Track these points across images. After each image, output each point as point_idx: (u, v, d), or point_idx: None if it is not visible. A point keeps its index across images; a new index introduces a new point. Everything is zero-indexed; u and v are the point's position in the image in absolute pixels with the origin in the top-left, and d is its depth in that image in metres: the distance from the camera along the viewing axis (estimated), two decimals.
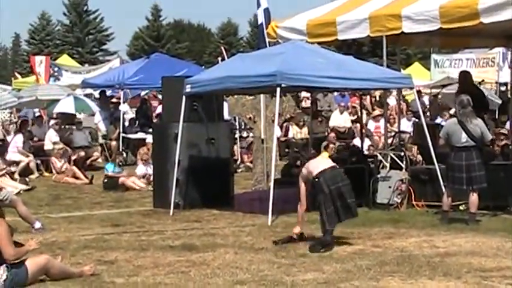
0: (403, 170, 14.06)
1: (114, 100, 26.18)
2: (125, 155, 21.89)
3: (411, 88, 14.94)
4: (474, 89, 15.08)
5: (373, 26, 14.38)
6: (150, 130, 19.27)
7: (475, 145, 12.16)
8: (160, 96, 25.61)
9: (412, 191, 13.82)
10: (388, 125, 17.46)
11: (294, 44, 14.30)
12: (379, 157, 14.73)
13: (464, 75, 16.01)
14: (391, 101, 23.52)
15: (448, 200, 12.37)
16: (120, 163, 18.94)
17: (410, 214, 13.15)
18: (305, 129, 23.72)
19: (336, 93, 25.50)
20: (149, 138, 18.85)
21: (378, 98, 26.32)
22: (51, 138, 21.62)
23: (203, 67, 29.90)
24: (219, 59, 23.84)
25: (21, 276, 8.20)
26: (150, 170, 17.07)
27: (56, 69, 32.75)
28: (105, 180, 17.78)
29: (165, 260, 9.54)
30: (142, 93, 28.80)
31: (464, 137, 12.15)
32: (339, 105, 24.89)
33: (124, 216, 13.45)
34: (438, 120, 21.30)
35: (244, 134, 23.13)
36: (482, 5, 12.93)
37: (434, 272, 8.72)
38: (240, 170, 20.54)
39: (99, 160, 22.56)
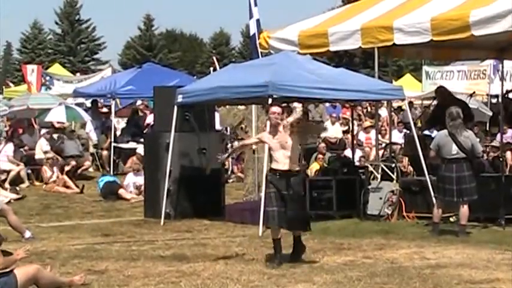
0: (394, 181, 14.09)
1: (104, 110, 26.16)
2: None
3: (402, 100, 14.98)
4: (456, 101, 15.10)
5: (364, 38, 14.42)
6: (142, 140, 19.26)
7: (465, 157, 12.20)
8: (150, 106, 25.59)
9: (402, 202, 13.85)
10: (379, 136, 17.50)
11: (286, 54, 14.33)
12: (370, 168, 14.76)
13: (443, 90, 16.10)
14: (383, 112, 23.56)
15: (438, 212, 12.39)
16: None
17: (401, 225, 13.17)
18: None
19: (327, 104, 25.52)
20: (139, 149, 18.82)
21: (369, 109, 26.36)
22: (42, 147, 21.58)
23: (195, 77, 29.92)
24: (211, 69, 23.92)
25: (10, 286, 8.16)
26: (140, 180, 17.07)
27: (47, 78, 32.67)
28: (103, 184, 17.73)
29: (155, 270, 9.53)
30: (138, 102, 28.80)
31: (454, 149, 12.19)
32: (331, 116, 24.90)
33: (115, 226, 13.43)
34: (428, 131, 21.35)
35: (236, 144, 23.12)
36: (474, 17, 13.00)
37: (424, 284, 8.72)
38: (231, 181, 20.54)
39: (90, 169, 22.52)
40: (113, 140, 22.95)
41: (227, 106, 17.29)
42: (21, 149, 21.92)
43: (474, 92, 24.18)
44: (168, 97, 14.21)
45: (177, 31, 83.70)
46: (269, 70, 13.20)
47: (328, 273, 9.25)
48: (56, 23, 75.91)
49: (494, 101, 27.68)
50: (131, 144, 23.01)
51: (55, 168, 20.05)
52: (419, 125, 21.31)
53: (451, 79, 28.66)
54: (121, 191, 17.58)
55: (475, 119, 22.95)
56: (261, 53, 15.95)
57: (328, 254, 10.46)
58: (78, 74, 40.02)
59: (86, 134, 24.37)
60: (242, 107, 16.91)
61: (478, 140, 13.16)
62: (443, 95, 15.86)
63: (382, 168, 14.45)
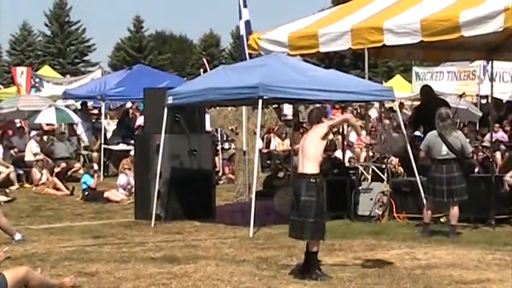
0: (385, 182, 14.11)
1: (95, 112, 26.17)
2: (96, 166, 21.73)
3: (393, 100, 15.01)
4: (440, 102, 15.14)
5: (354, 39, 14.43)
6: (132, 141, 19.24)
7: (455, 158, 12.23)
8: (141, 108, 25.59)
9: (393, 203, 13.87)
10: (369, 137, 17.51)
11: (276, 56, 14.34)
12: (361, 169, 14.77)
13: (428, 89, 16.20)
14: (373, 113, 23.59)
15: (428, 213, 12.40)
16: (93, 174, 18.83)
17: (392, 226, 13.18)
18: (287, 141, 23.78)
19: (317, 105, 25.56)
20: (133, 151, 18.79)
21: (359, 110, 26.40)
22: (32, 149, 21.53)
23: (185, 79, 29.90)
24: (201, 70, 23.85)
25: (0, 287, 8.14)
26: (132, 181, 17.03)
27: (37, 80, 32.64)
28: (86, 193, 17.69)
29: (146, 272, 9.51)
30: (128, 104, 28.76)
31: (444, 149, 12.22)
32: None
33: (105, 228, 13.41)
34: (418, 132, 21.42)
35: (226, 146, 23.14)
36: (463, 18, 13.03)
37: (415, 285, 8.73)
38: (221, 182, 20.54)
39: (81, 171, 22.47)
40: (103, 141, 22.94)
41: (217, 108, 17.27)
42: (11, 151, 21.86)
43: (464, 93, 24.27)
44: (158, 99, 14.19)
45: (167, 33, 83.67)
46: (259, 72, 13.20)
47: None
48: (46, 25, 75.78)
49: (483, 101, 27.76)
50: (121, 146, 23.00)
51: (45, 170, 20.00)
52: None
53: (441, 80, 28.71)
54: (108, 194, 17.50)
55: (465, 120, 23.04)
56: (250, 54, 15.93)
57: (319, 255, 10.45)
58: (68, 76, 39.98)
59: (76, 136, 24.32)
60: (232, 109, 16.88)
61: (468, 140, 13.19)
62: (428, 94, 15.95)
63: (373, 169, 14.46)
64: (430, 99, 15.70)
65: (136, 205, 14.82)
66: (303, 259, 9.35)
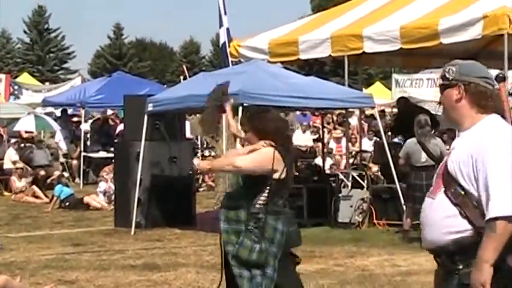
0: (365, 189, 14.14)
1: (75, 119, 26.05)
2: (66, 174, 21.66)
3: (372, 107, 15.06)
4: (419, 109, 15.20)
5: (334, 46, 14.49)
6: (112, 149, 19.16)
7: (434, 165, 12.27)
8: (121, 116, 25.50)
9: (373, 210, 13.90)
10: (349, 144, 17.57)
11: (257, 63, 14.36)
12: (341, 176, 14.80)
13: (405, 100, 16.34)
14: (353, 120, 23.65)
15: (408, 220, 12.45)
16: (67, 184, 18.75)
17: (372, 233, 13.21)
18: None
19: (297, 113, 25.60)
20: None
21: (335, 118, 26.48)
22: (10, 157, 21.40)
23: (165, 86, 29.88)
24: (181, 77, 23.88)
25: None
26: (112, 187, 16.96)
27: (16, 87, 32.50)
28: (67, 204, 17.53)
29: (126, 280, 9.48)
30: (109, 112, 28.70)
31: (424, 156, 12.27)
32: (301, 124, 24.98)
33: (85, 236, 13.35)
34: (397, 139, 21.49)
35: (207, 153, 23.13)
36: (442, 25, 13.11)
37: None
38: (202, 189, 20.50)
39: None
40: (82, 149, 22.85)
41: (198, 115, 17.24)
42: None
43: None
44: (139, 106, 14.16)
45: (147, 40, 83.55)
46: (240, 79, 13.18)
47: None
48: (25, 32, 75.48)
49: None
50: (101, 154, 22.92)
51: (24, 178, 19.88)
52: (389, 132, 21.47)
53: (421, 87, 28.87)
54: (88, 200, 17.42)
55: (444, 127, 23.11)
56: (231, 61, 15.96)
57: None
58: (47, 83, 39.83)
59: (55, 143, 24.23)
60: None
61: (447, 147, 13.24)
62: (405, 104, 16.06)
63: (353, 176, 14.50)
64: (408, 108, 15.76)
65: (116, 213, 14.76)
66: None
